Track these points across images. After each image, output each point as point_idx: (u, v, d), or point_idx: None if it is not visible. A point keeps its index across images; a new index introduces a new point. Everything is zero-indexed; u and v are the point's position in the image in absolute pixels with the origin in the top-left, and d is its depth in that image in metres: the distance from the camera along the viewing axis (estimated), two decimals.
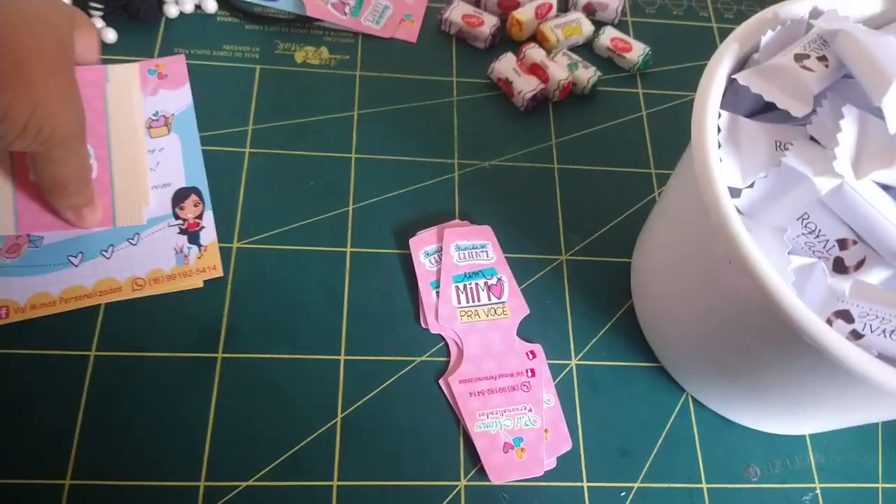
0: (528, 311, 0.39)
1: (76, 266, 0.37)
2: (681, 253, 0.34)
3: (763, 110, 0.32)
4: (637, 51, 0.47)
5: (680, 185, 0.35)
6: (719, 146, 0.29)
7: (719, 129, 0.29)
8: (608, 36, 0.47)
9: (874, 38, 0.28)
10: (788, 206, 0.28)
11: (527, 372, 0.38)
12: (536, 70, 0.45)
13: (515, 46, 0.47)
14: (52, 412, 0.34)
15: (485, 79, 0.46)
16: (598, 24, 0.49)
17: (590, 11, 0.49)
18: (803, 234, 0.28)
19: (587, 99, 0.46)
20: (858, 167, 0.27)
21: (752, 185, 0.28)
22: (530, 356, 0.38)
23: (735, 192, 0.29)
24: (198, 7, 0.46)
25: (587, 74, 0.45)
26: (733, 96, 0.31)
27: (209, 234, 0.39)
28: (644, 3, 0.51)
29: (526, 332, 0.39)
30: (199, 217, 0.39)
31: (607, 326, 0.40)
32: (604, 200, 0.43)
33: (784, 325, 0.26)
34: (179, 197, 0.39)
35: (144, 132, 0.40)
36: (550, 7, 0.47)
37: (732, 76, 0.30)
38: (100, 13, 0.43)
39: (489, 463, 0.35)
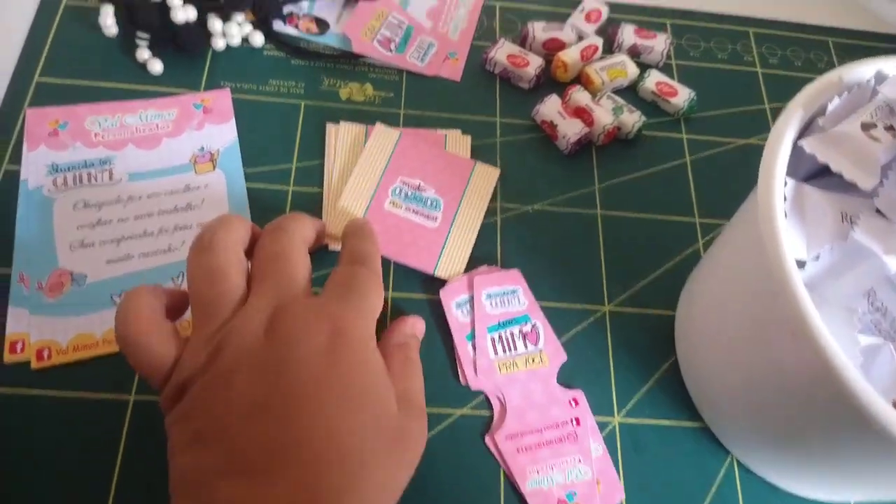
0: (565, 358, 0.38)
1: None
2: (733, 314, 0.33)
3: (824, 172, 0.32)
4: (682, 95, 0.46)
5: (736, 243, 0.34)
6: (785, 215, 0.28)
7: (785, 198, 0.28)
8: (653, 80, 0.47)
9: None
10: (854, 281, 0.27)
11: (572, 421, 0.37)
12: (581, 113, 0.44)
13: (560, 88, 0.46)
14: (90, 457, 0.33)
15: (528, 120, 0.46)
16: (643, 67, 0.48)
17: (634, 54, 0.49)
18: (869, 311, 0.27)
19: (631, 143, 0.46)
20: None
21: (816, 258, 0.28)
22: (573, 404, 0.37)
23: (798, 263, 0.28)
24: (245, 40, 0.45)
25: (632, 119, 0.45)
26: (794, 158, 0.31)
27: None
28: (688, 46, 0.51)
29: (566, 380, 0.38)
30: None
31: (651, 382, 0.39)
32: (647, 249, 0.43)
33: (847, 404, 0.25)
34: None
35: (483, 214, 0.42)
36: (596, 49, 0.47)
37: (798, 142, 0.29)
38: (146, 42, 0.43)
39: None
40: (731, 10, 0.53)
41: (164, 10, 0.43)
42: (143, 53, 0.43)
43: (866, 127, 0.29)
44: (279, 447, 0.24)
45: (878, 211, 0.28)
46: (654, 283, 0.42)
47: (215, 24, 0.43)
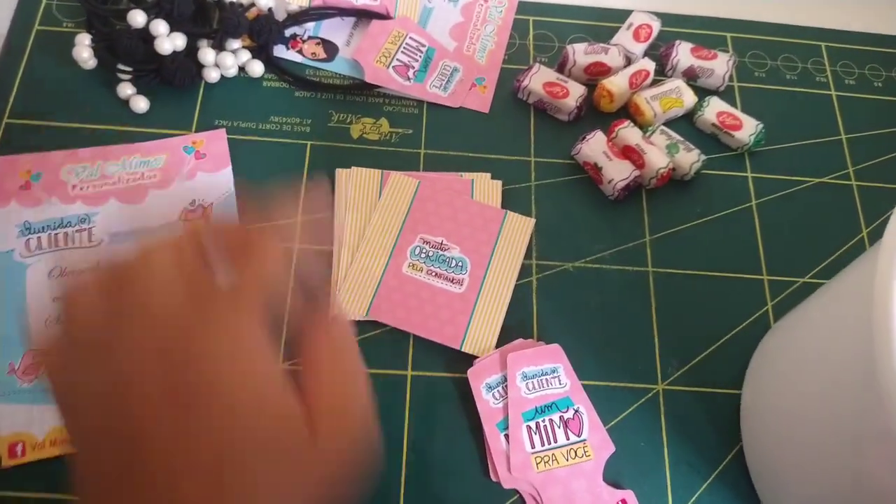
0: (613, 449, 0.33)
1: None
2: (821, 408, 0.28)
3: None
4: (748, 128, 0.40)
5: (830, 320, 0.28)
6: None
7: None
8: (714, 110, 0.40)
9: None
10: None
11: None
12: (631, 153, 0.38)
13: (605, 121, 0.40)
14: None
15: (569, 159, 0.40)
16: (701, 93, 0.42)
17: (691, 77, 0.42)
18: None
19: (687, 185, 0.40)
20: None
21: None
22: None
23: None
24: (241, 70, 0.40)
25: (690, 159, 0.38)
26: None
27: None
28: (753, 65, 0.44)
29: (613, 475, 0.33)
30: None
31: (712, 478, 0.33)
32: (707, 313, 0.37)
33: None
34: None
35: (516, 275, 0.36)
36: (647, 75, 0.41)
37: None
38: (128, 77, 0.38)
39: None
40: (801, 21, 0.46)
41: (148, 39, 0.37)
42: (126, 89, 0.38)
43: None
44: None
45: None
46: (715, 356, 0.36)
47: (207, 54, 0.38)
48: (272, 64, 0.40)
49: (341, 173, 0.38)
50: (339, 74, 0.40)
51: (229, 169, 0.37)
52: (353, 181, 0.37)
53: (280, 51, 0.40)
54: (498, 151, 0.40)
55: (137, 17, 0.37)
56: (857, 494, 0.26)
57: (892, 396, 0.21)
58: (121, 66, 0.38)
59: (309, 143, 0.39)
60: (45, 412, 0.31)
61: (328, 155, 0.38)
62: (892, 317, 0.22)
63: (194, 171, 0.37)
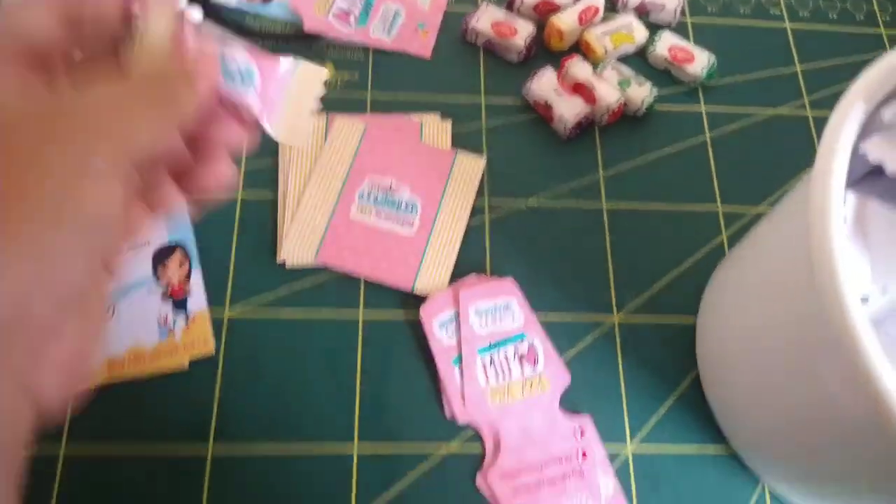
0: (569, 380, 0.33)
1: None
2: (770, 331, 0.28)
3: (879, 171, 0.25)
4: (700, 62, 0.40)
5: (775, 250, 0.28)
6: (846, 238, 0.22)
7: (845, 219, 0.22)
8: (665, 44, 0.40)
9: None
10: None
11: (578, 455, 0.32)
12: (581, 90, 0.38)
13: (555, 59, 0.40)
14: None
15: (519, 99, 0.39)
16: (653, 29, 0.41)
17: (643, 13, 0.41)
18: None
19: (640, 121, 0.39)
20: None
21: (884, 291, 0.22)
22: (579, 434, 0.32)
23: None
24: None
25: (642, 93, 0.38)
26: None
27: (198, 301, 0.33)
28: (705, 1, 0.44)
29: (571, 406, 0.33)
30: (186, 278, 0.33)
31: (669, 402, 0.33)
32: (662, 245, 0.37)
33: None
34: (161, 255, 0.34)
35: (468, 215, 0.36)
36: (596, 11, 0.40)
37: (859, 145, 0.23)
38: None
39: None
40: None
41: None
42: None
43: None
44: None
45: None
46: (670, 286, 0.36)
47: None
48: (210, 10, 0.39)
49: None
50: (281, 21, 0.40)
51: None
52: None
53: None
54: (447, 93, 0.39)
55: None
56: (804, 407, 0.26)
57: (829, 306, 0.21)
58: None
59: None
60: None
61: None
62: (831, 248, 0.21)
63: None
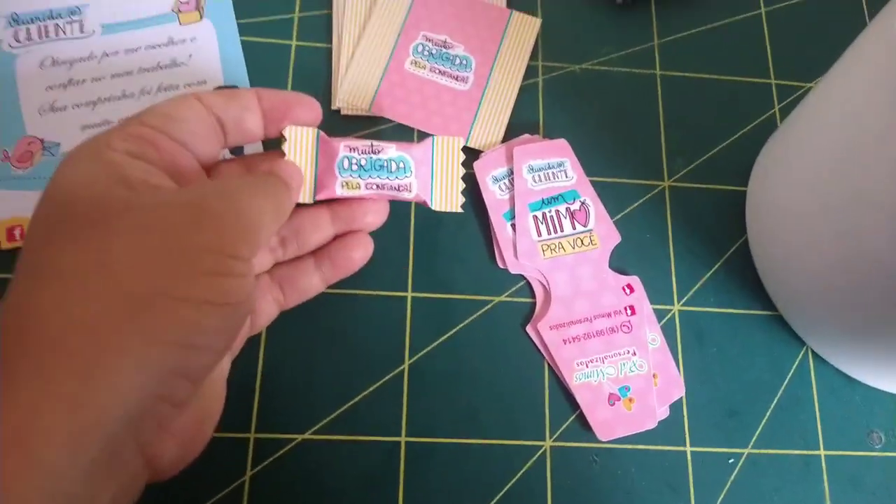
0: (619, 239, 0.33)
1: None
2: (819, 186, 0.28)
3: None
4: None
5: (833, 104, 0.28)
6: None
7: None
8: None
9: None
10: None
11: (626, 310, 0.32)
12: None
13: None
14: None
15: None
16: None
17: None
18: None
19: None
20: None
21: None
22: (627, 290, 0.32)
23: None
24: None
25: None
26: None
27: (253, 146, 0.33)
28: None
29: (620, 264, 0.33)
30: None
31: (716, 266, 0.34)
32: (714, 115, 0.36)
33: None
34: None
35: (522, 74, 0.36)
36: None
37: None
38: None
39: (595, 419, 0.30)
40: None
41: None
42: None
43: None
44: None
45: None
46: (721, 155, 0.36)
47: None
48: None
49: None
50: None
51: None
52: None
53: None
54: None
55: None
56: (857, 262, 0.27)
57: None
58: None
59: None
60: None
61: None
62: None
63: None
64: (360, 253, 0.28)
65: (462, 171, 0.29)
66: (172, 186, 0.22)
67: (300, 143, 0.27)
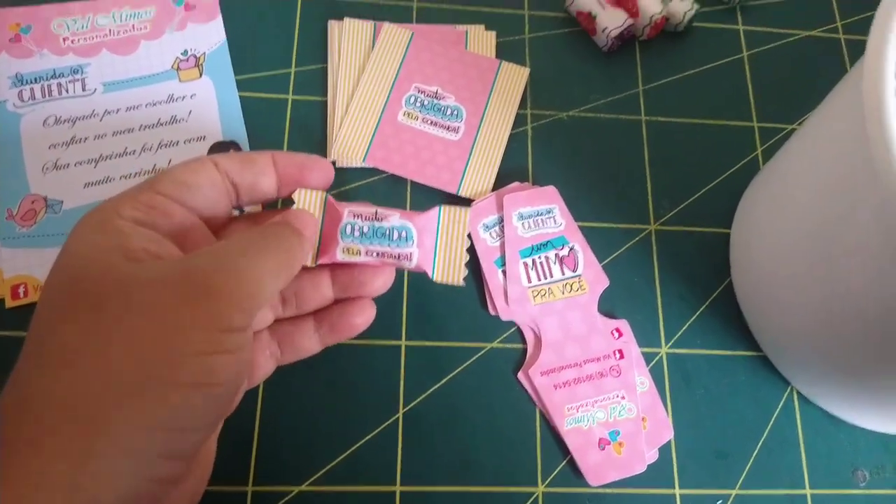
0: (607, 283, 0.34)
1: None
2: (803, 231, 0.29)
3: None
4: None
5: (810, 150, 0.29)
6: None
7: None
8: None
9: None
10: None
11: (615, 354, 0.33)
12: (624, 2, 0.38)
13: None
14: None
15: (562, 12, 0.40)
16: None
17: None
18: None
19: (680, 36, 0.40)
20: None
21: None
22: (616, 334, 0.33)
23: None
24: None
25: (683, 7, 0.38)
26: None
27: None
28: None
29: (609, 308, 0.34)
30: None
31: (702, 308, 0.35)
32: (698, 159, 0.37)
33: None
34: (217, 152, 0.34)
35: (511, 123, 0.37)
36: None
37: None
38: None
39: (586, 464, 0.31)
40: None
41: None
42: None
43: None
44: None
45: None
46: (706, 198, 0.37)
47: None
48: None
49: (334, 25, 0.37)
50: None
51: (220, 19, 0.37)
52: (346, 32, 0.37)
53: None
54: (492, 4, 0.39)
55: None
56: (841, 308, 0.27)
57: (880, 164, 0.22)
58: None
59: None
60: (44, 255, 0.32)
61: (320, 6, 0.38)
62: (882, 93, 0.22)
63: (184, 21, 0.36)
64: (363, 319, 0.29)
65: (468, 243, 0.29)
66: (176, 254, 0.22)
67: (308, 205, 0.28)
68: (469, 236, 0.30)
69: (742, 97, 0.39)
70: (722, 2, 0.41)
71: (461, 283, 0.29)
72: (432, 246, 0.29)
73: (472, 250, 0.33)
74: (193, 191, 0.24)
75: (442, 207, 0.30)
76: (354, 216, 0.28)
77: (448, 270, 0.29)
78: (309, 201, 0.28)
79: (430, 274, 0.29)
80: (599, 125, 0.37)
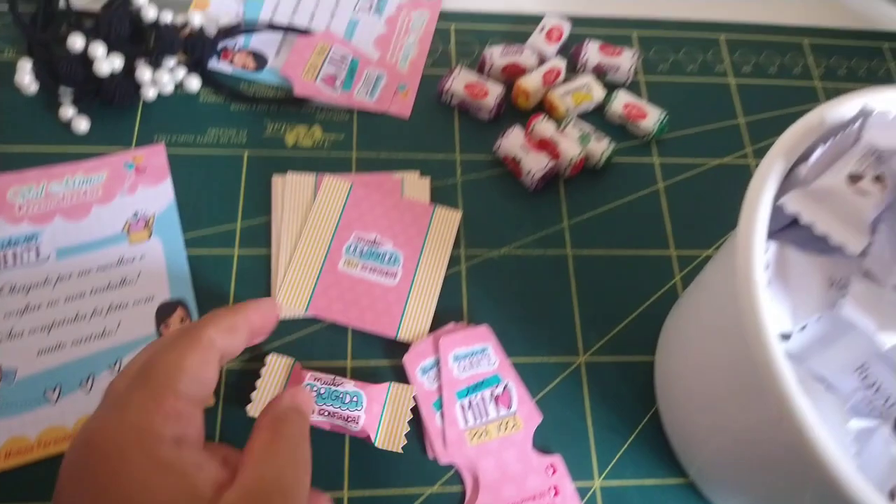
0: (541, 418, 0.36)
1: (54, 403, 0.33)
2: (712, 370, 0.31)
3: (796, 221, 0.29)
4: (652, 117, 0.44)
5: (713, 293, 0.31)
6: (767, 283, 0.25)
7: (767, 265, 0.26)
8: (621, 102, 0.44)
9: None
10: (845, 354, 0.25)
11: (550, 490, 0.35)
12: (546, 146, 0.42)
13: (524, 117, 0.43)
14: None
15: (490, 155, 0.43)
16: (610, 87, 0.45)
17: (600, 73, 0.45)
18: (861, 388, 0.25)
19: (600, 173, 0.43)
20: None
21: (802, 328, 0.25)
22: (551, 471, 0.35)
23: (784, 335, 0.26)
24: (178, 87, 0.42)
25: (600, 147, 0.42)
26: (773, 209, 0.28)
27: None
28: (657, 59, 0.48)
29: (543, 443, 0.36)
30: None
31: (632, 438, 0.37)
32: (622, 288, 0.40)
33: (839, 496, 0.23)
34: (164, 312, 0.36)
35: (446, 265, 0.39)
36: (559, 73, 0.44)
37: (779, 201, 0.27)
38: (69, 99, 0.40)
39: None
40: (701, 16, 0.50)
41: (88, 61, 0.39)
42: (68, 111, 0.40)
43: (853, 179, 0.26)
44: None
45: (867, 272, 0.26)
46: (631, 327, 0.39)
47: (144, 72, 0.40)
48: (208, 79, 0.42)
49: (277, 180, 0.40)
50: (272, 85, 0.43)
51: (169, 181, 0.39)
52: (289, 187, 0.40)
53: (212, 62, 0.43)
54: (426, 151, 0.42)
55: (77, 42, 0.39)
56: (752, 450, 0.29)
57: (752, 345, 0.24)
58: (62, 90, 0.40)
59: (246, 152, 0.41)
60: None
61: (264, 163, 0.41)
62: (754, 292, 0.25)
63: (135, 185, 0.39)
64: None
65: (410, 416, 0.34)
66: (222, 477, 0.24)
67: (276, 369, 0.33)
68: (412, 410, 0.34)
69: (660, 226, 0.42)
70: (637, 137, 0.44)
71: (400, 450, 0.33)
72: (379, 414, 0.33)
73: (415, 410, 0.35)
74: (207, 385, 0.25)
75: (391, 385, 0.34)
76: (315, 379, 0.32)
77: (390, 438, 0.33)
78: (277, 365, 0.33)
79: (372, 438, 0.32)
80: (529, 261, 0.40)
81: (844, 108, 0.28)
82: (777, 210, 0.28)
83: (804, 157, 0.28)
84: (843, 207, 0.25)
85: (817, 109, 0.28)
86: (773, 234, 0.28)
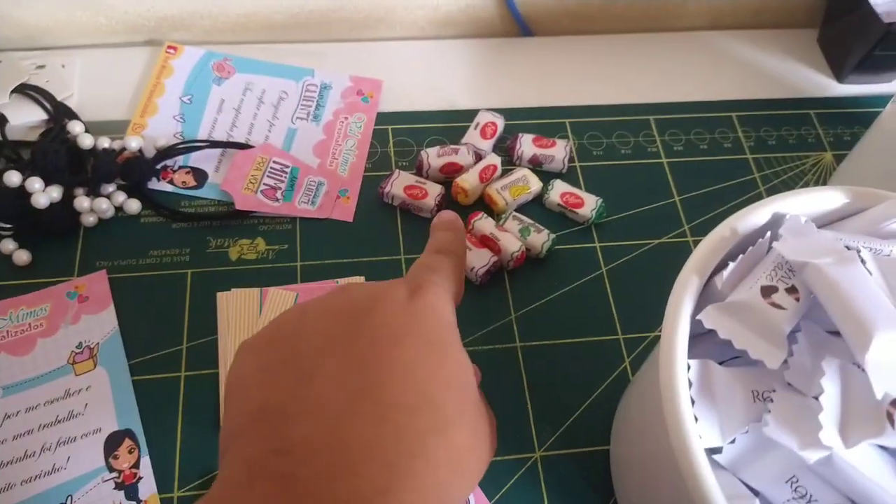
0: None
1: None
2: (658, 470, 0.32)
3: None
4: (589, 204, 0.45)
5: (647, 392, 0.32)
6: (693, 403, 0.26)
7: (690, 384, 0.26)
8: (558, 191, 0.45)
9: (845, 272, 0.26)
10: (774, 466, 0.26)
11: None
12: (487, 242, 0.43)
13: (463, 212, 0.44)
14: None
15: None
16: (546, 176, 0.47)
17: (536, 164, 0.47)
18: (793, 498, 0.26)
19: (544, 262, 0.44)
20: (847, 434, 0.24)
21: (732, 441, 0.26)
22: None
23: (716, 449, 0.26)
24: (119, 210, 0.42)
25: (540, 239, 0.43)
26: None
27: (148, 486, 0.35)
28: (591, 145, 0.49)
29: None
30: (136, 465, 0.35)
31: None
32: (573, 377, 0.41)
33: None
34: (112, 444, 0.36)
35: None
36: (495, 169, 0.45)
37: (696, 317, 0.28)
38: (9, 233, 0.40)
39: None
40: (630, 99, 0.52)
41: (24, 194, 0.39)
42: (8, 245, 0.40)
43: (767, 292, 0.27)
44: (356, 388, 0.23)
45: (790, 383, 0.27)
46: (585, 415, 0.40)
47: (83, 201, 0.40)
48: (147, 200, 0.43)
49: (222, 297, 0.40)
50: (213, 201, 0.43)
51: (111, 307, 0.39)
52: (234, 303, 0.40)
53: (152, 183, 0.43)
54: (369, 254, 0.43)
55: (13, 178, 0.39)
56: None
57: (682, 461, 0.25)
58: (0, 224, 0.40)
59: (189, 271, 0.41)
60: None
61: (209, 280, 0.41)
62: (680, 411, 0.25)
63: (78, 314, 0.39)
64: None
65: None
66: None
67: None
68: None
69: (606, 311, 0.43)
70: (577, 223, 0.46)
71: None
72: None
73: None
74: None
75: None
76: None
77: None
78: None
79: None
80: (479, 357, 0.41)
81: (755, 216, 0.29)
82: (697, 323, 0.29)
83: (721, 267, 0.29)
84: (758, 321, 0.26)
85: (727, 221, 0.29)
86: (699, 335, 0.29)
